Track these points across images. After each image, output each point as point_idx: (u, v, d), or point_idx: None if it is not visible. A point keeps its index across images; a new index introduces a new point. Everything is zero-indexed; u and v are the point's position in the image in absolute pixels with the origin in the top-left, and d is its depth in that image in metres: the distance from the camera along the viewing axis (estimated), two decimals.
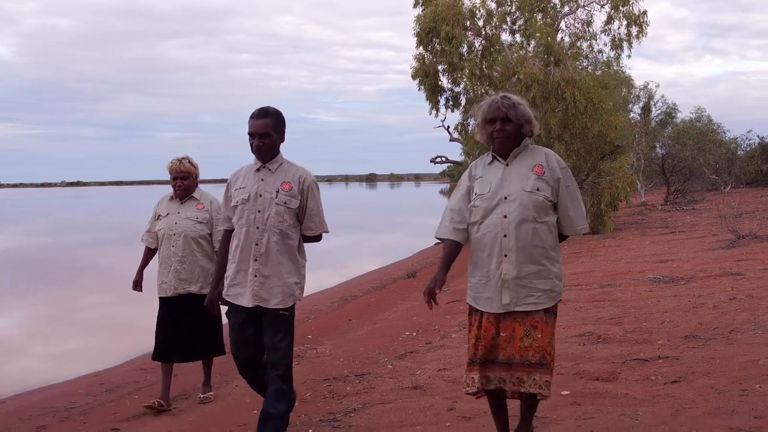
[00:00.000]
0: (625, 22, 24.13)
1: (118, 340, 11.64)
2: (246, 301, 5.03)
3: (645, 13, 24.08)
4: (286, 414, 5.12)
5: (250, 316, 5.06)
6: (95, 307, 14.32)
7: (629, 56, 25.25)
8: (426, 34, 23.76)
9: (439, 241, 4.67)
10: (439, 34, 23.30)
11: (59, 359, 10.95)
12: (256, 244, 5.01)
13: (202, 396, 7.13)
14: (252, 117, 5.03)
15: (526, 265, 4.30)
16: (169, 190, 7.06)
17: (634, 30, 24.11)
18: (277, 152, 5.16)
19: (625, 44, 24.43)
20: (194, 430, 6.19)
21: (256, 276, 5.01)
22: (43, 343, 12.28)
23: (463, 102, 25.76)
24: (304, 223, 5.17)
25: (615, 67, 27.24)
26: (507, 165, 4.42)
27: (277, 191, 5.05)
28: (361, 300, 13.68)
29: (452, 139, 28.44)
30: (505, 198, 4.34)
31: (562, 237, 4.55)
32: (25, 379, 9.51)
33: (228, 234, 5.27)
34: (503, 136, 4.38)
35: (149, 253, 7.12)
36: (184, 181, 6.82)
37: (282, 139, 5.17)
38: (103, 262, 22.70)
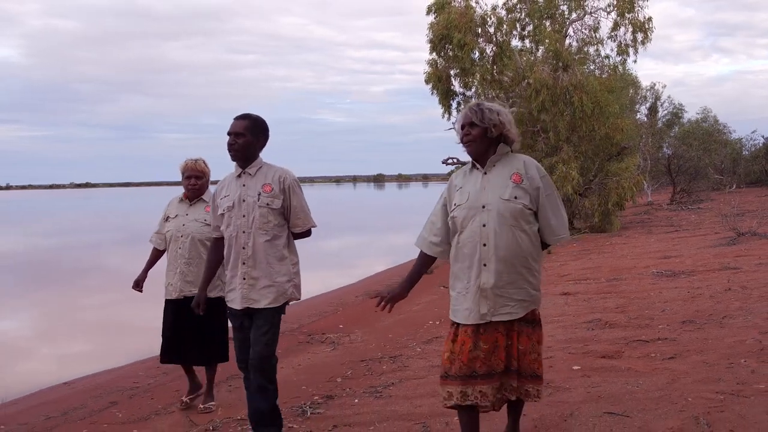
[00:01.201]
0: (630, 29, 24.92)
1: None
2: (237, 303, 5.19)
3: (650, 19, 24.88)
4: (270, 411, 5.26)
5: (247, 318, 5.22)
6: (123, 305, 15.17)
7: (635, 61, 25.96)
8: (439, 41, 24.59)
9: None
10: (451, 40, 24.10)
11: (101, 350, 11.73)
12: (244, 248, 5.16)
13: (202, 406, 6.88)
14: (234, 118, 5.24)
15: (505, 275, 4.29)
16: (179, 191, 7.06)
17: (640, 36, 24.89)
18: (255, 156, 5.28)
19: (630, 50, 25.21)
20: None
21: (245, 279, 5.15)
22: (84, 336, 13.04)
23: None
24: (291, 221, 5.28)
25: (621, 71, 28.03)
26: (485, 173, 4.42)
27: (259, 194, 5.17)
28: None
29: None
30: (483, 206, 4.33)
31: (543, 245, 4.53)
32: (71, 367, 10.31)
33: (216, 241, 5.46)
34: (468, 140, 4.40)
35: (156, 254, 7.12)
36: (198, 180, 6.81)
37: (259, 145, 5.28)
38: (121, 262, 23.50)
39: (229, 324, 5.70)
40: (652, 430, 4.99)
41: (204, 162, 6.92)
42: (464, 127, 4.42)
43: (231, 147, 5.19)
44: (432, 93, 26.06)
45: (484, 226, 4.29)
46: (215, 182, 7.06)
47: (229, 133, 5.20)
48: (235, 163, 5.32)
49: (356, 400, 6.64)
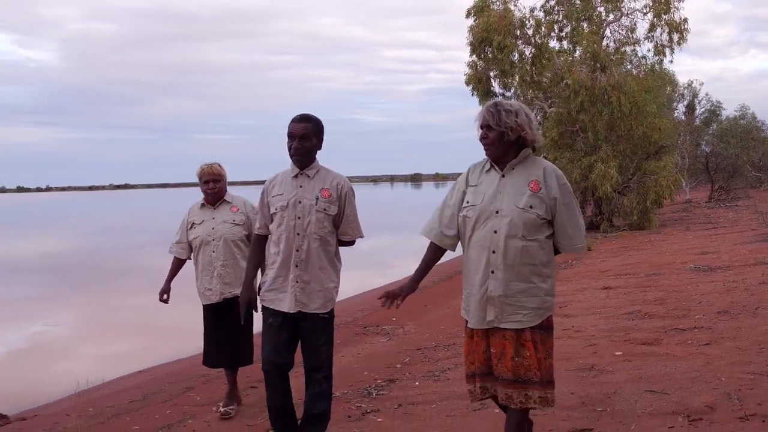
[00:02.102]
0: (666, 30, 25.41)
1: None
2: (287, 306, 5.07)
3: (686, 20, 25.39)
4: (327, 412, 5.27)
5: (287, 320, 5.10)
6: (174, 303, 15.75)
7: (671, 61, 26.40)
8: (479, 44, 25.26)
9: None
10: (491, 43, 24.78)
11: (165, 343, 12.25)
12: (297, 251, 5.05)
13: (223, 410, 6.84)
14: (293, 120, 5.08)
15: (513, 283, 4.18)
16: (199, 198, 7.03)
17: (676, 37, 25.41)
18: (314, 159, 5.20)
19: (667, 50, 25.75)
20: None
21: (297, 282, 5.05)
22: (145, 331, 13.57)
23: None
24: (341, 228, 5.22)
25: (658, 70, 28.44)
26: (503, 176, 4.28)
27: (317, 198, 5.08)
28: (432, 290, 15.20)
29: None
30: (497, 212, 4.19)
31: (557, 252, 4.43)
32: (143, 358, 10.97)
33: (260, 239, 5.35)
34: (485, 144, 4.28)
35: (178, 264, 7.04)
36: (216, 184, 6.76)
37: (320, 146, 5.20)
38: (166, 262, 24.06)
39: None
40: (688, 405, 5.59)
41: (220, 165, 6.89)
42: (482, 128, 4.30)
43: (297, 151, 5.07)
44: (472, 94, 26.73)
45: (495, 232, 4.18)
46: (235, 184, 7.27)
47: (291, 136, 5.08)
48: (291, 162, 5.20)
49: (416, 383, 7.27)
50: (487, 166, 4.37)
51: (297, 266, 5.06)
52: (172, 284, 7.01)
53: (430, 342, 9.46)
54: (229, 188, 7.05)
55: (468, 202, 4.31)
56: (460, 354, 8.42)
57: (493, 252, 4.17)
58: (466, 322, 4.42)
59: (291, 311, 5.06)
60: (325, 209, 5.09)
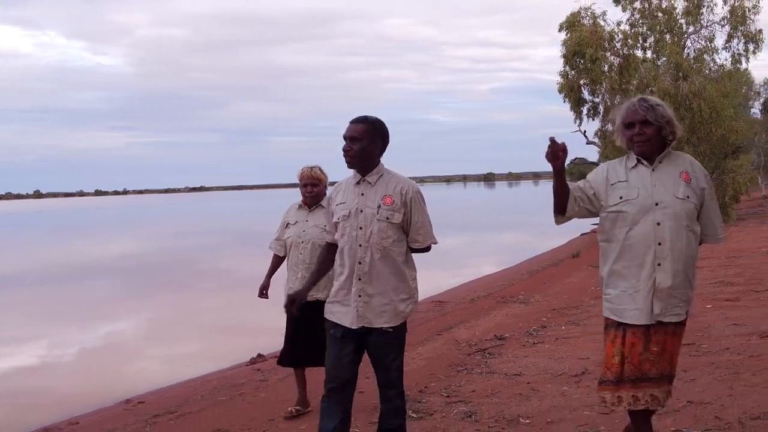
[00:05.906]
0: (743, 40, 28.07)
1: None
2: (349, 321, 4.69)
3: (761, 31, 27.96)
4: (402, 427, 4.92)
5: (349, 333, 4.72)
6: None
7: (746, 69, 28.78)
8: (572, 56, 27.98)
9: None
10: (584, 55, 27.46)
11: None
12: (359, 263, 4.70)
13: (290, 408, 7.06)
14: (350, 122, 4.81)
15: (679, 274, 4.13)
16: (297, 197, 7.12)
17: (752, 47, 28.07)
18: (375, 163, 4.83)
19: (743, 59, 28.40)
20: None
21: (360, 296, 4.68)
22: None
23: (601, 111, 29.82)
24: (410, 235, 4.81)
25: (734, 75, 30.61)
26: (653, 170, 4.21)
27: (379, 206, 4.72)
28: (545, 272, 18.19)
29: (589, 143, 32.59)
30: (657, 204, 4.14)
31: (700, 243, 4.35)
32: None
33: (330, 247, 5.02)
34: (643, 140, 4.18)
35: (277, 261, 7.15)
36: (314, 187, 6.80)
37: (378, 150, 4.83)
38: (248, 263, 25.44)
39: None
40: (760, 329, 8.44)
41: (320, 169, 6.90)
42: (634, 125, 4.20)
43: (346, 153, 4.78)
44: (564, 101, 29.47)
45: (658, 224, 4.13)
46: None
47: (344, 138, 4.80)
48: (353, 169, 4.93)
49: (563, 327, 10.18)
50: (631, 162, 4.32)
51: (360, 279, 4.71)
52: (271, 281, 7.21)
53: (561, 305, 12.32)
54: None
55: (622, 198, 4.23)
56: (588, 311, 11.24)
57: (659, 244, 4.13)
58: (607, 324, 4.34)
59: (353, 327, 4.69)
60: (387, 218, 4.71)
